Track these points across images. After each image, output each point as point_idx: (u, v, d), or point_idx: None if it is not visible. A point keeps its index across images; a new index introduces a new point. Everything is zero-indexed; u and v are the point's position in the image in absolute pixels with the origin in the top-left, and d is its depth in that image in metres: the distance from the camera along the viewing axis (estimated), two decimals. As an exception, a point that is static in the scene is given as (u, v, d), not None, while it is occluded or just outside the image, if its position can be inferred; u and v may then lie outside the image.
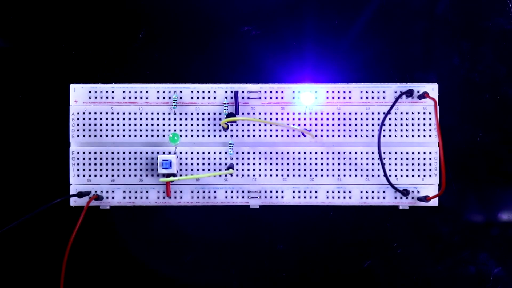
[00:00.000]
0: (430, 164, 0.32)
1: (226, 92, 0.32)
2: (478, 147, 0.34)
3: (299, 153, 0.32)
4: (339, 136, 0.32)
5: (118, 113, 0.32)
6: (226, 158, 0.32)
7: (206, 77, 0.33)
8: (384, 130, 0.32)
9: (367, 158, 0.32)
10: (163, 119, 0.32)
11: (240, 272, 0.34)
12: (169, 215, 0.33)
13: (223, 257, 0.34)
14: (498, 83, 0.34)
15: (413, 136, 0.32)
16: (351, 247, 0.34)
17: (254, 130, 0.32)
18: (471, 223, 0.34)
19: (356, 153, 0.32)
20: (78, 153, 0.32)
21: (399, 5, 0.34)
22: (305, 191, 0.32)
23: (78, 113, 0.32)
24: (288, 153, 0.32)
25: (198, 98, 0.32)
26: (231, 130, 0.32)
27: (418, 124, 0.32)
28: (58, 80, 0.33)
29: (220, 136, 0.32)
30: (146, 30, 0.34)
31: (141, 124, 0.32)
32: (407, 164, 0.32)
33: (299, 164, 0.32)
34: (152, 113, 0.32)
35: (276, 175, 0.32)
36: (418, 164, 0.32)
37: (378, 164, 0.32)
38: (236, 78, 0.33)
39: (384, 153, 0.32)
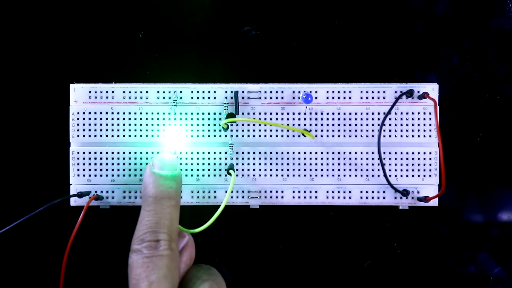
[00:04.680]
0: (430, 164, 0.32)
1: (226, 92, 0.32)
2: (478, 147, 0.34)
3: (299, 153, 0.32)
4: (339, 136, 0.32)
5: (118, 113, 0.32)
6: (226, 158, 0.32)
7: (206, 77, 0.33)
8: (384, 130, 0.32)
9: (367, 158, 0.32)
10: (163, 119, 0.32)
11: (240, 272, 0.34)
12: (169, 215, 0.33)
13: (223, 257, 0.34)
14: (498, 83, 0.34)
15: (413, 136, 0.32)
16: (351, 247, 0.34)
17: (254, 130, 0.32)
18: (471, 223, 0.34)
19: (356, 153, 0.32)
20: (78, 153, 0.32)
21: (399, 5, 0.34)
22: (305, 191, 0.32)
23: (78, 113, 0.32)
24: (288, 153, 0.32)
25: (198, 98, 0.32)
26: (231, 130, 0.32)
27: (418, 124, 0.32)
28: (58, 80, 0.33)
29: (220, 136, 0.32)
30: (146, 30, 0.34)
31: (141, 124, 0.32)
32: (407, 164, 0.32)
33: (299, 164, 0.32)
34: (152, 113, 0.32)
35: (276, 175, 0.32)
36: (418, 164, 0.32)
37: (378, 164, 0.32)
38: (236, 78, 0.33)
39: (384, 153, 0.32)
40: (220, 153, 0.32)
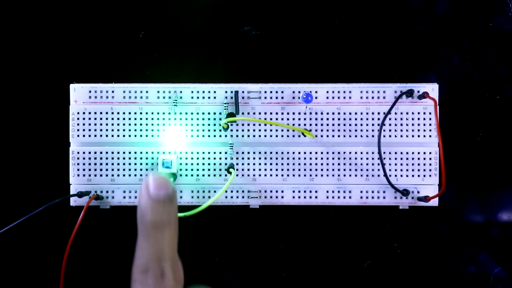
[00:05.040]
0: (430, 164, 0.32)
1: (226, 92, 0.32)
2: (478, 147, 0.34)
3: (299, 153, 0.32)
4: (339, 136, 0.32)
5: (118, 113, 0.32)
6: (226, 158, 0.32)
7: (206, 77, 0.33)
8: (384, 130, 0.32)
9: (367, 158, 0.32)
10: (163, 119, 0.32)
11: (240, 272, 0.34)
12: (169, 215, 0.33)
13: (223, 257, 0.34)
14: (498, 83, 0.34)
15: (413, 136, 0.32)
16: (351, 247, 0.34)
17: (254, 130, 0.32)
18: (471, 223, 0.34)
19: (356, 153, 0.32)
20: (78, 153, 0.32)
21: (399, 5, 0.34)
22: (305, 191, 0.32)
23: (78, 113, 0.32)
24: (288, 153, 0.32)
25: (198, 98, 0.32)
26: (231, 130, 0.32)
27: (418, 124, 0.32)
28: (58, 80, 0.33)
29: (220, 136, 0.32)
30: (146, 30, 0.34)
31: (141, 124, 0.32)
32: (407, 164, 0.32)
33: (299, 164, 0.32)
34: (152, 113, 0.32)
35: (276, 175, 0.32)
36: (418, 164, 0.32)
37: (378, 164, 0.32)
38: (236, 78, 0.33)
39: (384, 153, 0.32)
40: (220, 153, 0.32)
